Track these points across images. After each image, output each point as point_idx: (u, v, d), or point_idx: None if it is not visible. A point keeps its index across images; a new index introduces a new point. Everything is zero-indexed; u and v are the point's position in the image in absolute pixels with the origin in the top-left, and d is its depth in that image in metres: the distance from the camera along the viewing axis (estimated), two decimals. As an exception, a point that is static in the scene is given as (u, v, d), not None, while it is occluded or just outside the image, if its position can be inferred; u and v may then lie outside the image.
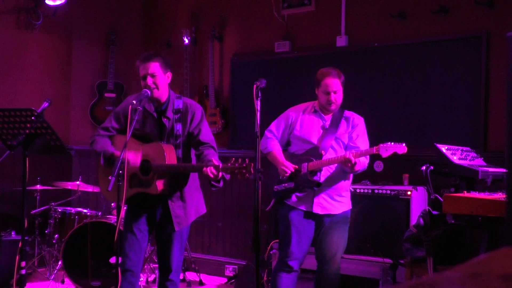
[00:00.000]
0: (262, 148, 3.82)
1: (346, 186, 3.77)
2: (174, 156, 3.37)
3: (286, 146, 3.86)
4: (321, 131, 3.74)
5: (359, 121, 3.81)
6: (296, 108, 3.87)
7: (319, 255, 3.80)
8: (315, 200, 3.67)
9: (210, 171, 3.16)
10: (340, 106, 3.80)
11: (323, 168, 3.66)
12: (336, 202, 3.71)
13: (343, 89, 3.75)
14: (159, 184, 3.34)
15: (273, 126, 3.88)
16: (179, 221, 3.44)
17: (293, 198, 3.73)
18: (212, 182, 3.29)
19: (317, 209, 3.68)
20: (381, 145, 3.47)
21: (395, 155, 3.46)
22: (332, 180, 3.69)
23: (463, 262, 0.81)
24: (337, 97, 3.71)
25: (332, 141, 3.69)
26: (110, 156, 3.40)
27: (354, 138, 3.74)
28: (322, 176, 3.66)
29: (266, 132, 3.88)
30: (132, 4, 6.71)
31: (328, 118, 3.78)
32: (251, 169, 3.13)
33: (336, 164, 3.67)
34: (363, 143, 3.75)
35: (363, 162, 3.61)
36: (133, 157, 3.34)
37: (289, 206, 3.73)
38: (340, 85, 3.71)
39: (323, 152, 3.65)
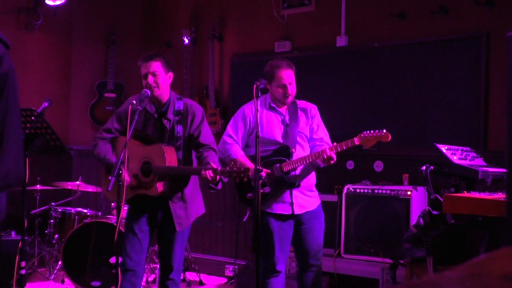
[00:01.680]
0: (224, 155, 3.62)
1: (314, 180, 3.70)
2: (174, 158, 3.37)
3: (244, 148, 3.68)
4: (282, 127, 3.61)
5: (315, 110, 3.72)
6: (250, 106, 3.68)
7: (302, 253, 3.66)
8: (294, 201, 3.57)
9: (208, 174, 3.17)
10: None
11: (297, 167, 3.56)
12: (309, 198, 3.64)
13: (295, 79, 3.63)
14: (159, 186, 3.34)
15: (230, 129, 3.68)
16: (180, 221, 3.45)
17: (273, 204, 3.57)
18: (211, 185, 3.30)
19: (297, 210, 3.58)
20: (361, 135, 3.37)
21: (379, 144, 3.37)
22: (303, 177, 3.61)
23: (463, 262, 0.81)
24: (293, 89, 3.59)
25: (297, 137, 3.60)
26: (112, 166, 3.40)
27: (315, 130, 3.66)
28: (297, 174, 3.57)
29: (224, 137, 3.68)
30: (132, 4, 6.72)
31: (284, 111, 3.65)
32: (249, 174, 3.13)
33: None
34: (324, 132, 3.69)
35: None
36: (127, 175, 3.32)
37: (269, 213, 3.58)
38: (293, 75, 3.59)
39: (293, 150, 3.54)
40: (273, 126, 3.62)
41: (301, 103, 3.72)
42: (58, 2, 5.98)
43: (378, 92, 5.13)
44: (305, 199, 3.63)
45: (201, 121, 3.47)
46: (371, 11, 5.22)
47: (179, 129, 3.44)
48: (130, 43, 6.64)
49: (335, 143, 3.43)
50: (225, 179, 3.27)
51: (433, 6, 4.84)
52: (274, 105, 3.65)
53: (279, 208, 3.58)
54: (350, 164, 5.16)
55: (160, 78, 3.42)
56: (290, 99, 3.62)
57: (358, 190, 4.59)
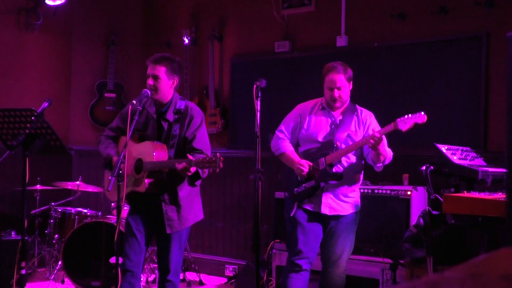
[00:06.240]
0: (275, 149, 3.72)
1: (354, 186, 3.66)
2: (164, 155, 3.36)
3: (296, 146, 3.73)
4: (329, 128, 3.61)
5: (368, 116, 3.68)
6: (303, 106, 3.75)
7: (324, 257, 3.69)
8: (323, 200, 3.56)
9: (182, 165, 3.17)
10: (351, 101, 3.67)
11: (342, 160, 3.54)
12: (344, 203, 3.60)
13: (350, 84, 3.61)
14: (146, 182, 3.35)
15: (283, 126, 3.76)
16: (171, 224, 3.43)
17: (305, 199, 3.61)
18: (190, 180, 3.35)
19: (325, 210, 3.56)
20: (398, 119, 3.35)
21: (415, 125, 3.33)
22: (343, 179, 3.57)
23: (463, 262, 0.81)
24: (342, 93, 3.56)
25: (345, 136, 3.57)
26: (110, 161, 3.43)
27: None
28: (342, 168, 3.56)
29: (276, 132, 3.76)
30: (132, 4, 6.71)
31: (337, 114, 3.65)
32: (220, 163, 3.09)
33: (350, 162, 3.58)
34: None
35: (388, 152, 3.49)
36: (127, 164, 3.33)
37: (299, 206, 3.62)
38: (345, 80, 3.56)
39: (338, 144, 3.53)
40: (319, 127, 3.62)
41: (358, 108, 3.68)
42: (58, 2, 5.98)
43: (378, 92, 5.12)
44: (337, 202, 3.59)
45: (199, 126, 3.45)
46: (371, 11, 5.22)
47: (176, 127, 3.44)
48: (130, 43, 6.64)
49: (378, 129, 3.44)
50: (204, 175, 3.27)
51: (433, 6, 4.84)
52: (326, 107, 3.66)
53: (307, 204, 3.60)
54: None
55: (161, 83, 3.42)
56: (338, 103, 3.60)
57: (358, 190, 4.58)
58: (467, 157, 3.91)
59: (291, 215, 3.68)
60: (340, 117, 3.63)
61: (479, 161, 3.96)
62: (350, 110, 3.65)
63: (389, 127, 3.39)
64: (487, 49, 4.63)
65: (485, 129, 4.63)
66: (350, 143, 3.58)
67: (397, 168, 4.86)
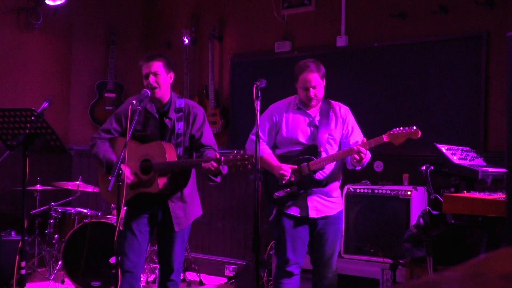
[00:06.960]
0: (251, 153, 3.52)
1: (337, 185, 3.64)
2: (174, 154, 3.37)
3: (273, 148, 3.64)
4: (309, 129, 3.54)
5: (346, 112, 3.61)
6: (277, 106, 3.66)
7: (314, 258, 3.64)
8: (309, 204, 3.51)
9: (211, 164, 3.17)
10: (325, 98, 3.60)
11: (325, 166, 3.49)
12: (330, 203, 3.57)
13: (323, 81, 3.53)
14: (161, 182, 3.34)
15: (257, 128, 3.65)
16: (179, 221, 3.45)
17: (288, 204, 3.54)
18: (211, 177, 3.30)
19: (312, 214, 3.52)
20: (391, 132, 3.29)
21: (409, 140, 3.28)
22: (328, 180, 3.55)
23: (463, 262, 0.81)
24: (317, 92, 3.49)
25: (326, 137, 3.52)
26: (113, 166, 3.40)
27: (350, 132, 3.56)
28: (325, 174, 3.51)
29: (251, 135, 3.63)
30: (132, 4, 6.72)
31: (313, 113, 3.57)
32: (253, 160, 3.13)
33: (335, 162, 3.52)
34: (359, 135, 3.58)
35: (368, 154, 3.43)
36: (128, 171, 3.32)
37: (284, 213, 3.55)
38: (319, 79, 3.48)
39: (322, 149, 3.49)
40: (298, 128, 3.55)
41: (334, 104, 3.62)
42: (58, 2, 5.98)
43: (378, 92, 5.12)
44: (323, 204, 3.55)
45: (203, 122, 3.48)
46: (371, 11, 5.22)
47: (180, 125, 3.44)
48: (130, 43, 6.64)
49: (364, 140, 3.36)
50: (225, 171, 3.27)
51: (433, 6, 4.84)
52: (302, 107, 3.58)
53: (293, 209, 3.54)
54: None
55: (161, 78, 3.42)
56: (313, 102, 3.53)
57: (358, 190, 4.58)
58: (467, 157, 3.91)
59: (270, 219, 3.64)
60: (318, 117, 3.56)
61: (479, 161, 3.96)
62: (326, 108, 3.58)
63: (380, 140, 3.33)
64: (487, 49, 4.63)
65: (485, 129, 4.63)
66: (332, 143, 3.54)
67: (397, 168, 4.86)
